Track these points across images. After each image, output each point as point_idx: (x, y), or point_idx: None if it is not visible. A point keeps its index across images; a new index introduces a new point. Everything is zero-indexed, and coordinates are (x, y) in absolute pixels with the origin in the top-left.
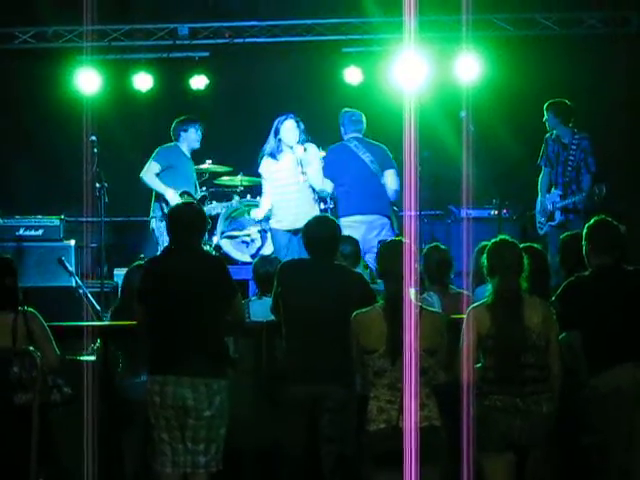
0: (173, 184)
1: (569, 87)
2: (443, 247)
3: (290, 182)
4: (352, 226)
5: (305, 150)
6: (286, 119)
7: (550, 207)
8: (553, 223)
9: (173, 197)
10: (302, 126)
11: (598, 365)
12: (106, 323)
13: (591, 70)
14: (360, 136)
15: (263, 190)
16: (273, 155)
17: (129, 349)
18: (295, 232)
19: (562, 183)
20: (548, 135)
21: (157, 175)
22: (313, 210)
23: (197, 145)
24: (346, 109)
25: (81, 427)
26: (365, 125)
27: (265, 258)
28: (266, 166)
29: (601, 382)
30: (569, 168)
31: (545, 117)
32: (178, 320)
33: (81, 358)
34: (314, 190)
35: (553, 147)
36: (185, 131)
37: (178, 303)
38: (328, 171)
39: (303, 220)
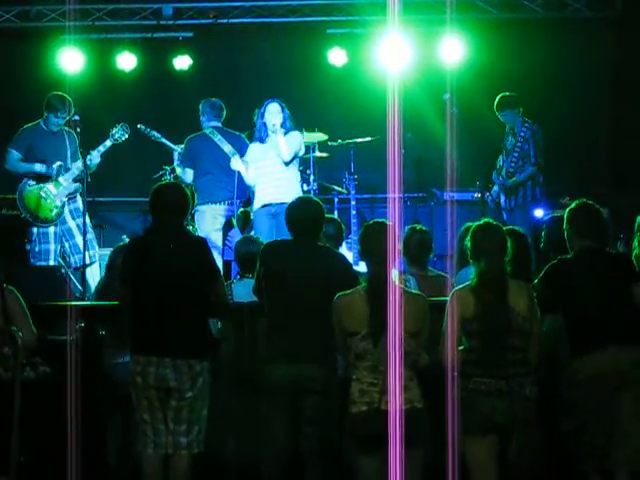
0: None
1: (553, 70)
2: (423, 228)
3: (268, 161)
4: (215, 216)
5: (287, 133)
6: (271, 102)
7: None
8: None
9: (41, 168)
10: (287, 112)
11: (580, 349)
12: (88, 303)
13: (575, 53)
14: (220, 125)
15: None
16: (258, 139)
17: (114, 329)
18: (273, 210)
19: (508, 171)
20: (508, 129)
21: (22, 160)
22: (292, 185)
23: (55, 129)
24: (210, 99)
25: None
26: (225, 113)
27: (247, 238)
28: (251, 150)
29: (582, 365)
30: (514, 158)
31: (500, 117)
32: (161, 301)
33: (62, 338)
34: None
35: (507, 137)
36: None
37: (161, 284)
38: (188, 161)
39: (280, 194)
